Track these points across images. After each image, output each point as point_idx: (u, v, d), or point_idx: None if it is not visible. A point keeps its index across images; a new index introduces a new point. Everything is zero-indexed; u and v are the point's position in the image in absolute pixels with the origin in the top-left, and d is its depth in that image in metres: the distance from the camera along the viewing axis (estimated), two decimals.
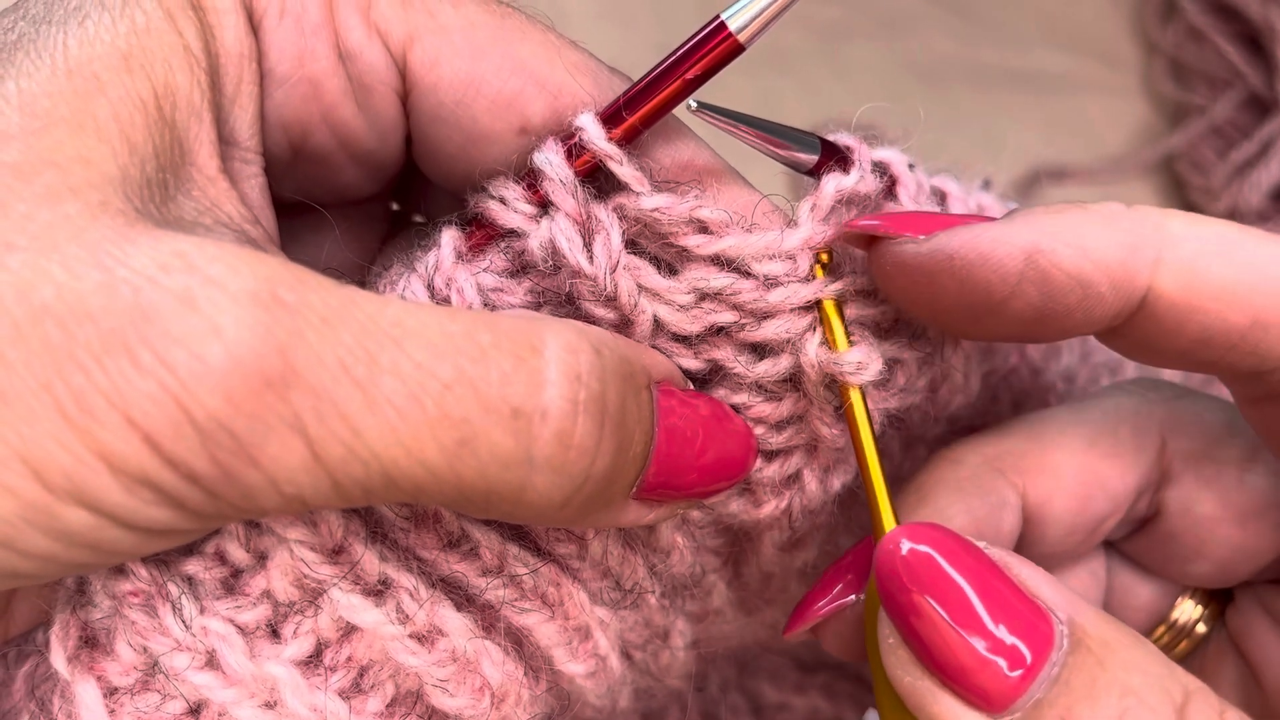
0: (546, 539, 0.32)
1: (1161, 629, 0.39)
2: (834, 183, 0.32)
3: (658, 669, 0.38)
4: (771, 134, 0.32)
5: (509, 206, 0.31)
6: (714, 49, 0.30)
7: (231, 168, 0.30)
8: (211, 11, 0.29)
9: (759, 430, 0.33)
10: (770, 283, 0.31)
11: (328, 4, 0.31)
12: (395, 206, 0.40)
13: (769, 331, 0.31)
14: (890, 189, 0.33)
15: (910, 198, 0.33)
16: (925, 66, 0.87)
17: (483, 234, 0.32)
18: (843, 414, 0.32)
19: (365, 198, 0.36)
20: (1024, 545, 0.37)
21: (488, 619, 0.31)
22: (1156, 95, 0.89)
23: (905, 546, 0.28)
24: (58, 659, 0.29)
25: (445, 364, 0.25)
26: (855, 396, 0.31)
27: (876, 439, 0.32)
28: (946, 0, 0.90)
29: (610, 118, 0.31)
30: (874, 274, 0.32)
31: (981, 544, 0.29)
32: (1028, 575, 0.29)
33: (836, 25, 0.87)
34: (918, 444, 0.37)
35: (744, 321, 0.31)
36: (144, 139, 0.26)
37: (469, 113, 0.32)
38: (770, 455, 0.33)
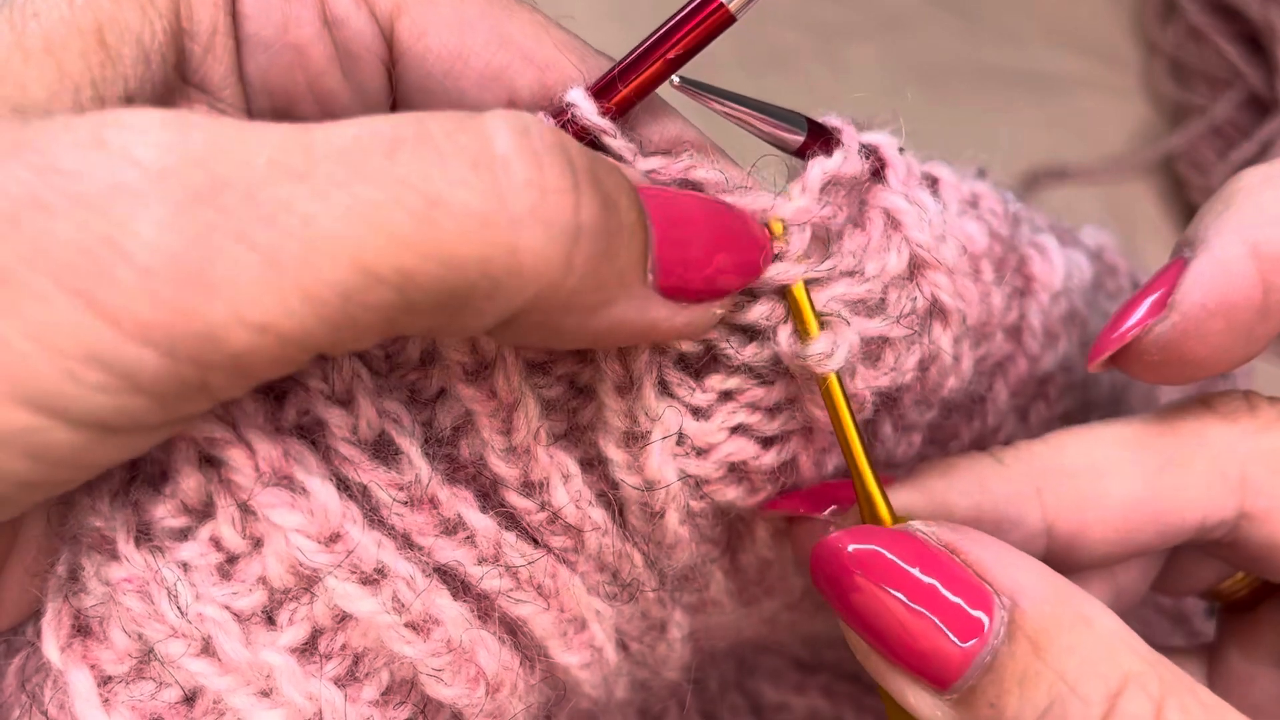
0: (543, 532, 0.32)
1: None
2: (819, 165, 0.31)
3: (654, 660, 0.38)
4: (757, 110, 0.32)
5: None
6: (705, 20, 0.30)
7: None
8: None
9: (754, 418, 0.32)
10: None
11: None
12: None
13: (753, 315, 0.31)
14: (879, 172, 0.33)
15: (899, 181, 0.33)
16: (925, 66, 0.87)
17: None
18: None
19: None
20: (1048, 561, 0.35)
21: (483, 608, 0.31)
22: (1156, 95, 0.89)
23: (847, 547, 0.29)
24: (50, 648, 0.28)
25: (382, 136, 0.23)
26: (831, 383, 0.31)
27: (857, 422, 0.31)
28: (946, 0, 0.90)
29: (600, 93, 0.31)
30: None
31: (929, 527, 0.29)
32: (977, 556, 0.28)
33: (836, 25, 0.87)
34: (913, 430, 0.37)
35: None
36: (78, 65, 0.26)
37: (456, 84, 0.32)
38: (766, 442, 0.33)
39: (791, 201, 0.31)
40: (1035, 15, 0.91)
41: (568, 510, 0.32)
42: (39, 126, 0.23)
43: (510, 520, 0.32)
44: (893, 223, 0.32)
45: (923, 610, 0.27)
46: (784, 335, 0.31)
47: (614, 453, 0.32)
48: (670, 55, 0.31)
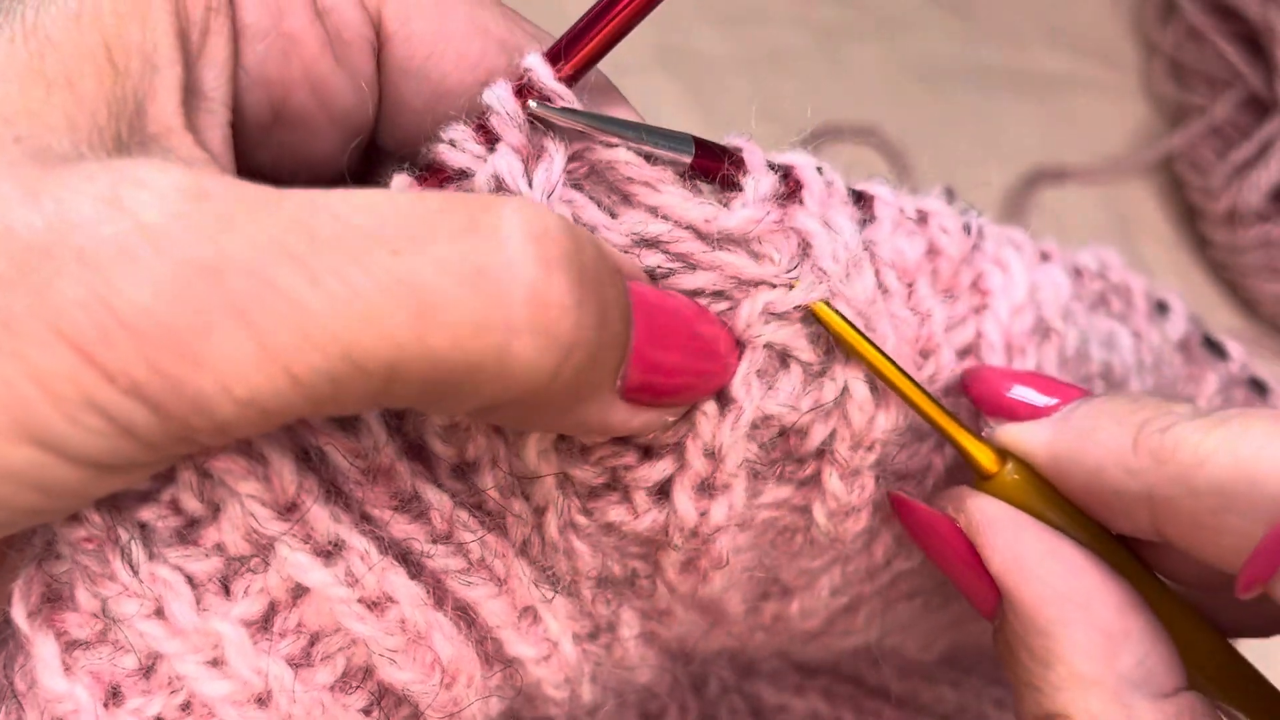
0: (480, 515, 0.32)
1: None
2: (745, 210, 0.31)
3: (614, 661, 0.38)
4: (634, 135, 0.30)
5: (458, 147, 0.30)
6: None
7: (196, 118, 0.30)
8: None
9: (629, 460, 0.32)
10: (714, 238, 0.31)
11: None
12: None
13: (700, 280, 0.30)
14: (794, 193, 0.32)
15: (817, 203, 0.32)
16: (925, 66, 0.87)
17: (434, 179, 0.31)
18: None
19: (335, 176, 0.36)
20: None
21: (438, 593, 0.31)
22: (1156, 95, 0.89)
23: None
24: (18, 614, 0.28)
25: (390, 228, 0.23)
26: (826, 315, 0.31)
27: (895, 362, 0.32)
28: (946, 0, 0.90)
29: (557, 56, 0.31)
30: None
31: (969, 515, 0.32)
32: (988, 550, 0.31)
33: (836, 25, 0.87)
34: (858, 474, 0.35)
35: (671, 267, 0.31)
36: (93, 89, 0.26)
37: (439, 67, 0.33)
38: (645, 451, 0.32)
39: (736, 214, 0.31)
40: (1035, 15, 0.91)
41: (491, 495, 0.32)
42: (61, 174, 0.23)
43: (468, 499, 0.32)
44: (804, 245, 0.32)
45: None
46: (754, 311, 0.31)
47: (498, 444, 0.32)
48: (626, 12, 0.30)
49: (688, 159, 0.31)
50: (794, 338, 0.31)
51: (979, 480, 0.33)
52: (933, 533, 0.33)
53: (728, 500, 0.32)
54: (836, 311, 0.31)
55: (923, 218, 0.35)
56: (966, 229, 0.36)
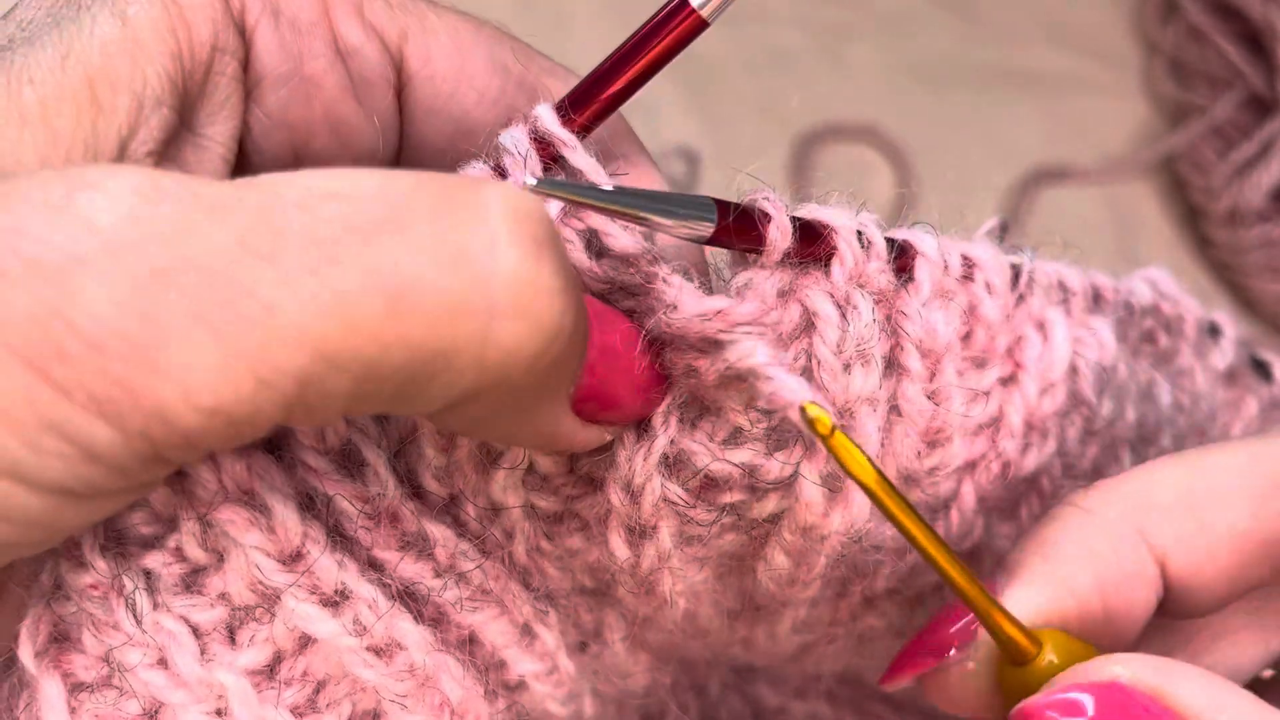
0: (489, 541, 0.32)
1: None
2: (751, 304, 0.27)
3: (605, 669, 0.38)
4: (644, 207, 0.27)
5: None
6: (676, 26, 0.30)
7: (184, 153, 0.30)
8: (187, 8, 0.30)
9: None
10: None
11: (322, 5, 0.32)
12: None
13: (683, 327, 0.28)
14: (821, 255, 0.29)
15: (844, 279, 0.29)
16: (925, 66, 0.87)
17: None
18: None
19: None
20: (1168, 607, 0.32)
21: (443, 630, 0.31)
22: (1157, 95, 0.89)
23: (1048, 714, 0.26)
24: (25, 654, 0.28)
25: (361, 215, 0.22)
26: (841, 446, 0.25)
27: (926, 522, 0.26)
28: (946, 0, 0.90)
29: (573, 104, 0.31)
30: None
31: (1129, 669, 0.26)
32: (1185, 700, 0.25)
33: (837, 25, 0.87)
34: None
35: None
36: (70, 128, 0.26)
37: (460, 105, 0.33)
38: (592, 485, 0.31)
39: (742, 306, 0.27)
40: (1035, 15, 0.90)
41: (473, 524, 0.32)
42: (15, 184, 0.22)
43: (462, 529, 0.32)
44: (808, 325, 0.29)
45: None
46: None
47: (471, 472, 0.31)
48: (643, 63, 0.30)
49: (708, 231, 0.28)
50: (733, 399, 0.29)
51: (1007, 668, 0.29)
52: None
53: (655, 544, 0.31)
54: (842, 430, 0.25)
55: (968, 272, 0.32)
56: (1015, 276, 0.33)
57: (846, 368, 0.29)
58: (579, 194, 0.27)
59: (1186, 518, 0.31)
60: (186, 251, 0.21)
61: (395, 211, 0.22)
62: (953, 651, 0.29)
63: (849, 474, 0.25)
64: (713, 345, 0.27)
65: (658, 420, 0.29)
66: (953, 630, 0.30)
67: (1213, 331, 0.41)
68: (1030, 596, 0.30)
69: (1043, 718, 0.26)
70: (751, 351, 0.27)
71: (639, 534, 0.31)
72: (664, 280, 0.28)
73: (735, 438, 0.29)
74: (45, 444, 0.21)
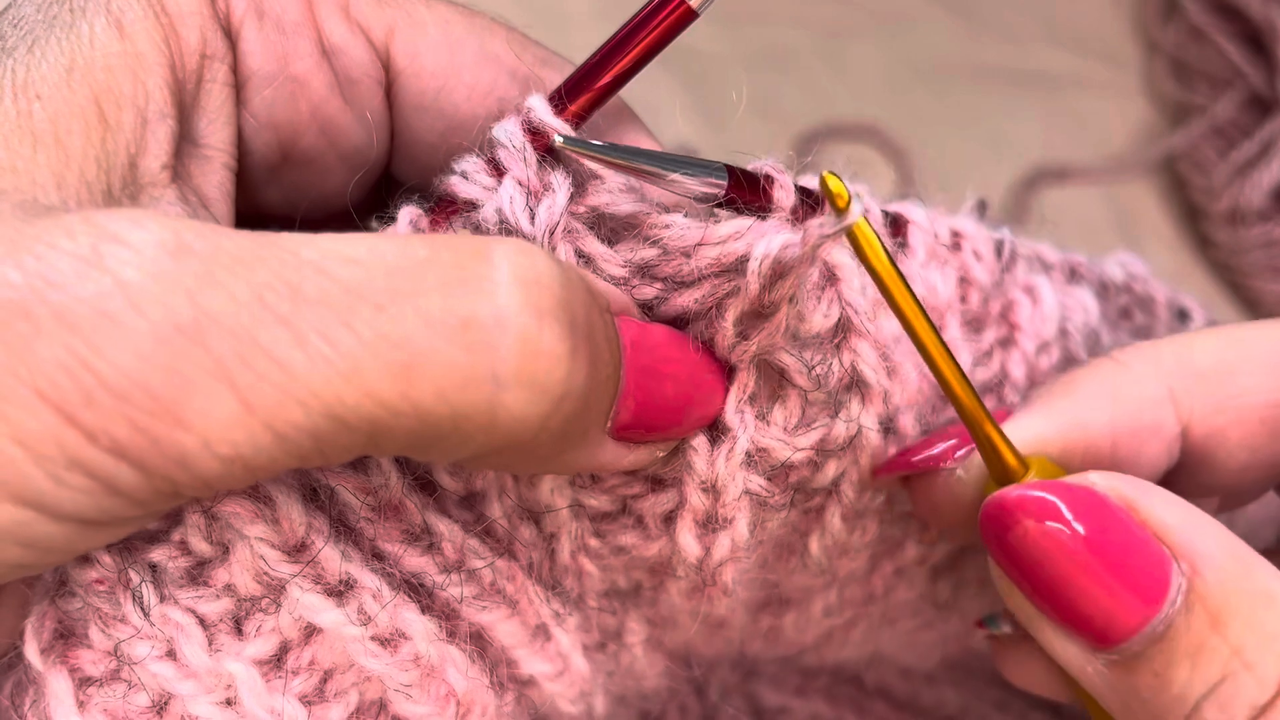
0: (507, 538, 0.32)
1: None
2: (764, 247, 0.28)
3: (622, 670, 0.38)
4: (662, 165, 0.28)
5: (469, 179, 0.30)
6: (667, 17, 0.30)
7: (188, 165, 0.30)
8: (176, 17, 0.30)
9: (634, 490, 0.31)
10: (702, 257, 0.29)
11: (307, 4, 0.32)
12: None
13: (688, 301, 0.29)
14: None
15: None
16: (925, 66, 0.87)
17: (443, 210, 0.31)
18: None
19: (345, 211, 0.36)
20: (1185, 474, 0.33)
21: (451, 624, 0.31)
22: (1157, 95, 0.89)
23: (1026, 526, 0.27)
24: (31, 650, 0.28)
25: (376, 283, 0.23)
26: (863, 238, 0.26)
27: (935, 327, 0.27)
28: (946, 0, 0.90)
29: (567, 94, 0.31)
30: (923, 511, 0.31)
31: (1108, 481, 0.27)
32: (1159, 517, 0.27)
33: (836, 25, 0.87)
34: (865, 516, 0.33)
35: (666, 296, 0.29)
36: (81, 146, 0.26)
37: (450, 100, 0.33)
38: (654, 484, 0.32)
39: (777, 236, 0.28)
40: (1036, 15, 0.90)
41: (499, 523, 0.32)
42: (41, 228, 0.23)
43: (474, 526, 0.32)
44: (830, 277, 0.30)
45: (1097, 570, 0.26)
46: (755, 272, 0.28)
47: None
48: (634, 54, 0.30)
49: (721, 190, 0.29)
50: (789, 357, 0.30)
51: (993, 485, 0.30)
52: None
53: (730, 535, 0.31)
54: (878, 237, 0.27)
55: (956, 242, 0.34)
56: (999, 250, 0.35)
57: (875, 312, 0.30)
58: (604, 153, 0.28)
59: (1219, 384, 0.31)
60: (209, 306, 0.22)
61: (408, 281, 0.23)
62: (947, 462, 0.31)
63: (862, 259, 0.26)
64: (742, 262, 0.28)
65: (733, 419, 0.30)
66: (952, 445, 0.31)
67: (1182, 316, 0.43)
68: (1036, 424, 0.31)
69: (1014, 511, 0.27)
70: (779, 233, 0.28)
71: (713, 528, 0.31)
72: (679, 227, 0.29)
73: (804, 421, 0.31)
74: (69, 479, 0.22)
